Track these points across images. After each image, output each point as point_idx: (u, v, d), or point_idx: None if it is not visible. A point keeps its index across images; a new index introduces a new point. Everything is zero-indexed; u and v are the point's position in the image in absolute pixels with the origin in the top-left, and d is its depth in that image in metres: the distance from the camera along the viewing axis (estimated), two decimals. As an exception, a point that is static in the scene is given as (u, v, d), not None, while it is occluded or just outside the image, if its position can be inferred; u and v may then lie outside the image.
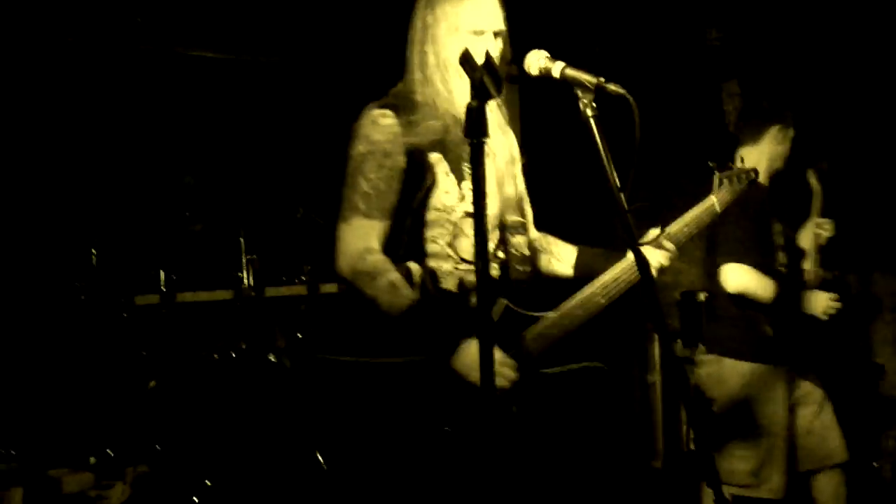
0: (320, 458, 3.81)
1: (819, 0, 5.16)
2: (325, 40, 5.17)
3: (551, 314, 2.47)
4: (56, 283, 4.26)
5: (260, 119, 5.00)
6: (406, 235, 2.44)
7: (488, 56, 1.89)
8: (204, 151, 4.84)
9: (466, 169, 2.44)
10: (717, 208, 2.76)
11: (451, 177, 2.45)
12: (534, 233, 2.74)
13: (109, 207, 4.53)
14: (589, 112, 2.19)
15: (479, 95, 1.79)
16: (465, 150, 2.34)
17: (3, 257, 4.29)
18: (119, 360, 4.21)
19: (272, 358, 4.20)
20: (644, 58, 5.78)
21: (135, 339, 4.25)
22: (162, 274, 4.24)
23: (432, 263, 2.44)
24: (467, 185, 2.45)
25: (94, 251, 4.21)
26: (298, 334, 4.49)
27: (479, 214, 1.78)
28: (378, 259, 2.40)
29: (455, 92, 2.45)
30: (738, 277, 3.68)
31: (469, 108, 1.82)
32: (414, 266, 2.43)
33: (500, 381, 2.25)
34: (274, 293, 4.49)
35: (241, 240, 4.37)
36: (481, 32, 2.45)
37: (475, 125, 1.77)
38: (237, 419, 3.99)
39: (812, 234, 4.00)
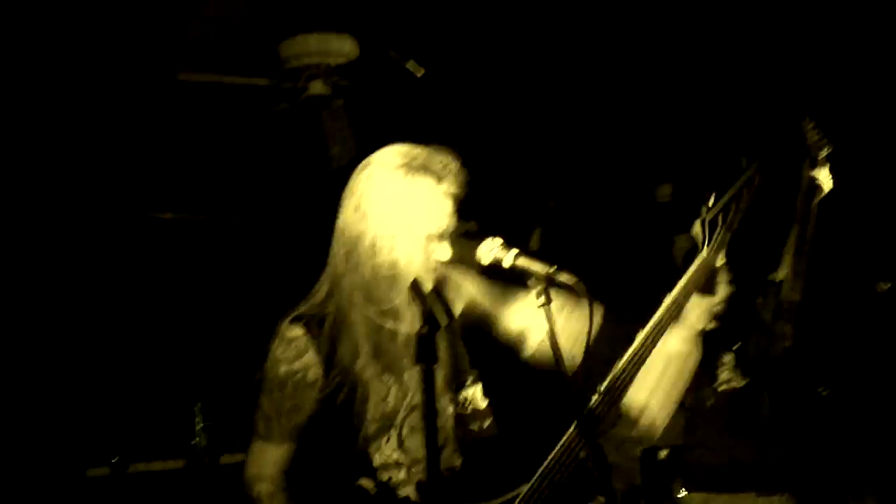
0: None
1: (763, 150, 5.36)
2: (284, 200, 5.25)
3: (524, 487, 2.29)
4: (7, 455, 4.14)
5: (216, 280, 5.01)
6: (349, 454, 2.33)
7: (437, 286, 1.92)
8: (158, 314, 4.81)
9: (406, 362, 2.31)
10: (716, 263, 2.50)
11: (388, 377, 2.32)
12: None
13: (58, 375, 4.46)
14: (541, 301, 2.18)
15: (430, 323, 1.81)
16: (399, 342, 2.27)
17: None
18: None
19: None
20: (597, 212, 5.94)
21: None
22: (114, 444, 4.14)
23: (384, 476, 2.32)
24: (410, 373, 2.32)
25: (43, 421, 4.12)
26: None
27: (431, 439, 1.75)
28: (263, 489, 2.37)
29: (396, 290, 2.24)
30: None
31: (419, 336, 1.83)
32: (366, 483, 2.32)
33: None
34: (230, 460, 4.39)
35: (197, 407, 4.29)
36: (442, 237, 2.31)
37: (425, 352, 1.79)
38: None
39: None
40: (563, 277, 2.16)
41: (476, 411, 2.41)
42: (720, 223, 2.55)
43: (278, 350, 2.32)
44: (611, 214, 5.92)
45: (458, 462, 2.38)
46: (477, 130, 5.07)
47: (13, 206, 4.60)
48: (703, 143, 5.54)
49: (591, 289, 2.20)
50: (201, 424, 4.27)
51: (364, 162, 2.38)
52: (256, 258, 5.17)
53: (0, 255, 4.54)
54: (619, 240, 5.86)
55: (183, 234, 5.07)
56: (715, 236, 2.53)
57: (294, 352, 2.30)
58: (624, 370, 2.35)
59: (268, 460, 2.38)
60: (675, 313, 2.44)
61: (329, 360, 2.30)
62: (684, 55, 4.88)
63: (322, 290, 2.36)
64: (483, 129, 5.12)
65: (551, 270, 2.17)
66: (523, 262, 2.23)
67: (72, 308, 4.70)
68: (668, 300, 2.48)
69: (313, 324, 2.31)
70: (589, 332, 2.12)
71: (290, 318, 2.35)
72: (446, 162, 2.34)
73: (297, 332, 2.31)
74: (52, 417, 4.18)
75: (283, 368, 2.31)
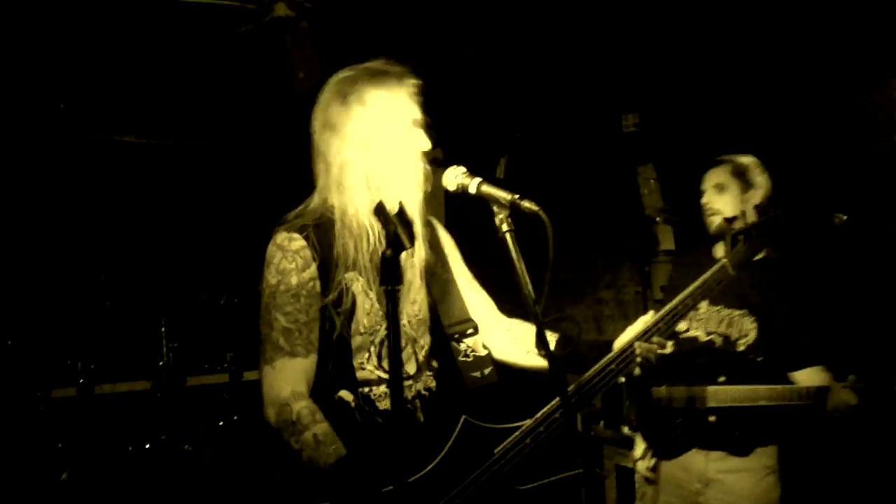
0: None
1: (731, 84, 5.39)
2: (248, 125, 5.21)
3: (528, 422, 2.34)
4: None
5: (182, 204, 4.99)
6: (332, 364, 2.31)
7: (402, 207, 1.93)
8: (124, 238, 4.80)
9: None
10: (731, 270, 2.67)
11: (370, 294, 2.32)
12: (500, 325, 2.60)
13: (25, 297, 4.45)
14: (504, 227, 2.22)
15: (394, 246, 1.82)
16: (377, 261, 2.30)
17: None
18: (34, 454, 4.10)
19: (188, 448, 4.16)
20: (563, 141, 5.97)
21: (51, 432, 4.15)
22: (79, 365, 4.17)
23: (365, 389, 2.32)
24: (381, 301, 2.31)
25: (9, 342, 4.13)
26: (220, 423, 4.45)
27: (394, 361, 1.78)
28: (303, 407, 2.22)
29: (379, 196, 2.27)
30: None
31: (384, 257, 1.85)
32: (346, 395, 2.33)
33: None
34: (196, 382, 4.44)
35: (162, 328, 4.32)
36: (419, 125, 2.40)
37: (390, 274, 1.80)
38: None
39: None
40: (526, 205, 2.21)
41: (478, 358, 2.44)
42: (742, 241, 2.75)
43: (284, 262, 2.28)
44: (576, 144, 5.95)
45: (433, 384, 2.43)
46: (444, 59, 5.04)
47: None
48: (670, 73, 5.55)
49: (553, 216, 2.25)
50: (167, 346, 4.30)
51: (329, 87, 2.41)
52: (221, 181, 5.15)
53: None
54: (585, 169, 5.91)
55: (147, 159, 5.04)
56: (735, 250, 2.72)
57: (302, 262, 2.28)
58: (619, 360, 2.42)
59: (298, 375, 2.26)
60: (683, 312, 2.55)
61: (324, 270, 2.30)
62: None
63: (314, 200, 2.38)
64: (450, 58, 5.08)
65: (515, 197, 2.22)
66: (487, 189, 2.27)
67: (37, 230, 4.67)
68: (678, 298, 2.58)
69: (311, 234, 2.31)
70: (549, 258, 2.16)
71: (286, 227, 2.32)
72: (396, 65, 2.42)
73: (300, 242, 2.29)
74: (18, 338, 4.18)
75: (294, 280, 2.27)
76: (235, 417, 4.42)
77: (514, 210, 2.23)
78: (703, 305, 3.50)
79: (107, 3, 4.38)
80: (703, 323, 3.52)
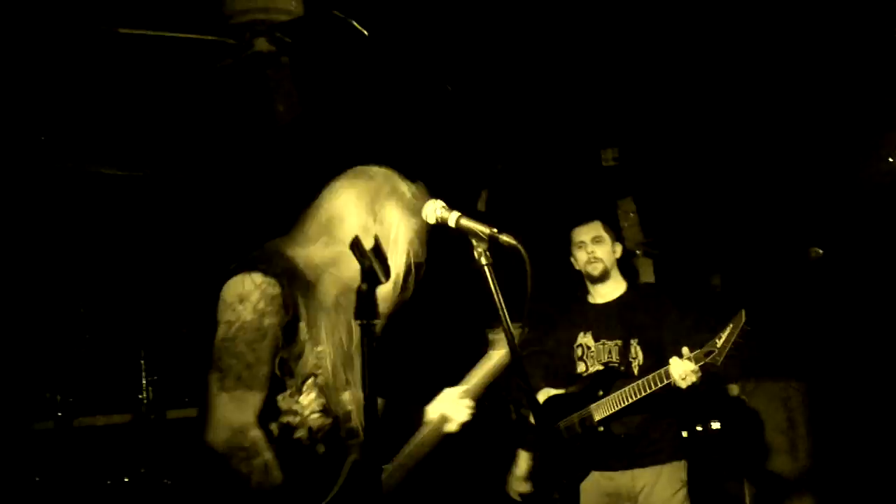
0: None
1: (709, 119, 5.47)
2: (228, 157, 5.23)
3: (387, 466, 2.59)
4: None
5: (162, 237, 4.99)
6: (267, 398, 2.42)
7: (377, 242, 1.96)
8: (104, 270, 4.79)
9: (322, 334, 2.48)
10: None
11: (309, 340, 2.46)
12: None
13: (4, 329, 4.43)
14: (483, 260, 2.26)
15: (369, 281, 1.85)
16: (323, 315, 2.46)
17: None
18: (12, 486, 4.07)
19: (167, 482, 4.14)
20: (544, 175, 6.02)
21: (30, 464, 4.12)
22: (59, 397, 4.14)
23: (283, 419, 2.43)
24: (317, 349, 2.48)
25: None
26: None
27: (370, 396, 1.80)
28: (258, 436, 2.34)
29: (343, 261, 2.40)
30: None
31: (359, 291, 1.88)
32: (272, 426, 2.41)
33: None
34: (176, 415, 4.42)
35: (142, 361, 4.31)
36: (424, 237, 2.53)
37: (365, 308, 1.82)
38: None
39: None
40: (505, 238, 2.25)
41: (345, 413, 2.56)
42: None
43: (262, 303, 2.37)
44: (557, 177, 6.00)
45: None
46: (424, 92, 5.09)
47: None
48: (649, 108, 5.63)
49: (533, 250, 2.29)
50: (147, 379, 4.29)
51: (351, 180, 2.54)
52: (200, 214, 5.16)
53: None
54: (565, 202, 5.95)
55: (127, 191, 5.03)
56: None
57: (276, 306, 2.37)
58: None
59: (252, 408, 2.35)
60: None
61: (290, 320, 2.41)
62: (632, 20, 4.93)
63: (290, 250, 2.48)
64: (430, 91, 5.14)
65: (494, 231, 2.26)
66: (466, 222, 2.31)
67: (16, 262, 4.65)
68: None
69: (285, 284, 2.41)
70: (528, 291, 2.19)
71: (265, 270, 2.40)
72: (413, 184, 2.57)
73: (277, 289, 2.39)
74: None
75: (266, 321, 2.37)
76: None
77: (492, 243, 2.27)
78: (591, 343, 3.99)
79: (90, 37, 4.41)
80: (595, 358, 3.97)
